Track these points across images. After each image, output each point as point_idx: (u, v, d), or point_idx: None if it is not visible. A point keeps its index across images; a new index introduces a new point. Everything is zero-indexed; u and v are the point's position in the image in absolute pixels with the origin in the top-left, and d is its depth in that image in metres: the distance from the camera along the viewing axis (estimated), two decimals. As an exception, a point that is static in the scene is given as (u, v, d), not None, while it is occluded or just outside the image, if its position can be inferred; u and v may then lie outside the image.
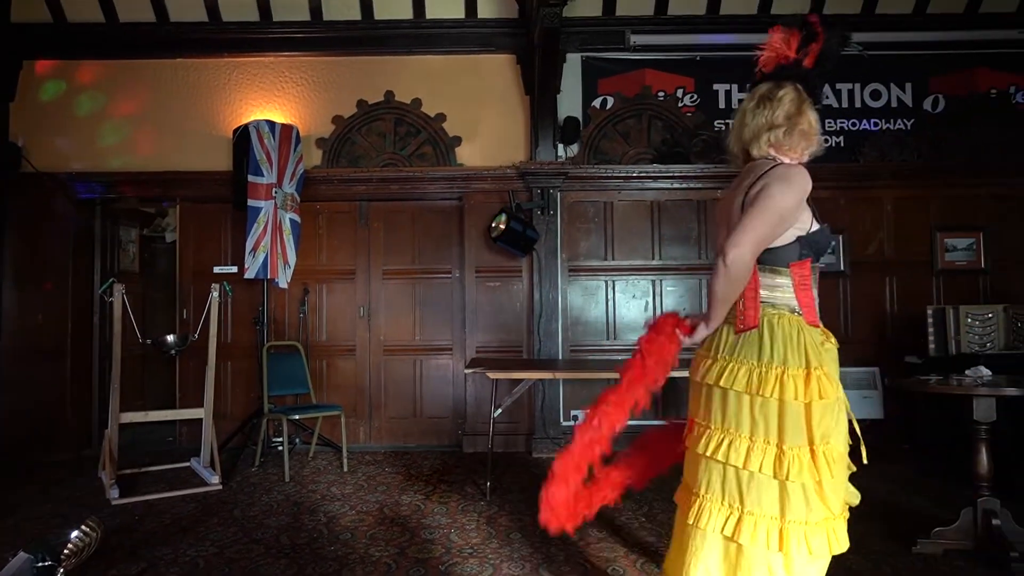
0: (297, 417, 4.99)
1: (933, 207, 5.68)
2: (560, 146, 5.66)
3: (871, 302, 5.64)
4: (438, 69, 5.84)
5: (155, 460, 4.99)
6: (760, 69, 2.03)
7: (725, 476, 1.91)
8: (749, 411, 1.90)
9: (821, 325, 1.99)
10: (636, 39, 5.67)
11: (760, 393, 1.87)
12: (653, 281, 5.68)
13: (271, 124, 5.27)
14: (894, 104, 5.83)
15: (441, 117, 5.81)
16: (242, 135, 5.24)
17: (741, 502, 1.87)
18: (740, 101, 5.64)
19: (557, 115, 5.62)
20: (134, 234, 6.60)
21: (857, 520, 3.65)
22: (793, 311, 1.94)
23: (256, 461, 4.96)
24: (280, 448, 4.95)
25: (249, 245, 5.13)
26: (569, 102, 5.74)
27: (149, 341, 4.90)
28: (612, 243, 5.69)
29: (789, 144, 1.96)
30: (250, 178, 5.13)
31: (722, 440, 1.92)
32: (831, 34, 1.96)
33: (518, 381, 4.67)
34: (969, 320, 4.82)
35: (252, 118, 5.46)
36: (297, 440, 5.47)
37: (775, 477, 1.84)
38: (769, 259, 1.93)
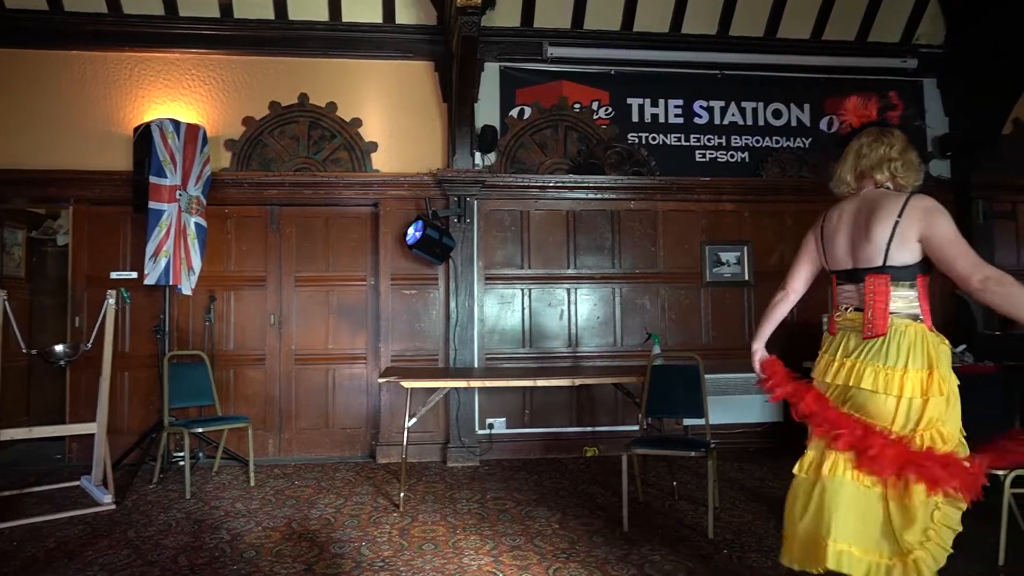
0: (200, 430, 4.75)
1: (828, 221, 6.01)
2: (477, 154, 5.67)
3: (773, 311, 5.91)
4: (354, 73, 5.74)
5: (40, 480, 4.64)
6: (848, 125, 2.67)
7: None
8: (876, 407, 2.18)
9: (935, 329, 2.23)
10: (553, 51, 5.76)
11: (885, 392, 2.14)
12: (568, 290, 5.76)
13: (176, 123, 5.04)
14: (794, 123, 6.17)
15: (357, 122, 5.71)
16: (144, 134, 4.97)
17: None
18: (653, 115, 5.95)
19: (475, 123, 5.62)
20: (20, 236, 6.15)
21: (765, 520, 3.80)
22: (916, 319, 2.20)
23: (155, 478, 4.69)
24: (182, 463, 4.70)
25: (150, 250, 4.87)
26: (487, 111, 5.77)
27: (35, 351, 4.56)
28: (528, 252, 5.74)
29: (904, 175, 2.36)
30: (152, 179, 4.88)
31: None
32: (909, 106, 2.40)
33: (433, 390, 4.63)
34: (860, 328, 5.13)
35: (155, 116, 5.19)
36: (201, 454, 5.21)
37: None
38: (902, 274, 2.20)
